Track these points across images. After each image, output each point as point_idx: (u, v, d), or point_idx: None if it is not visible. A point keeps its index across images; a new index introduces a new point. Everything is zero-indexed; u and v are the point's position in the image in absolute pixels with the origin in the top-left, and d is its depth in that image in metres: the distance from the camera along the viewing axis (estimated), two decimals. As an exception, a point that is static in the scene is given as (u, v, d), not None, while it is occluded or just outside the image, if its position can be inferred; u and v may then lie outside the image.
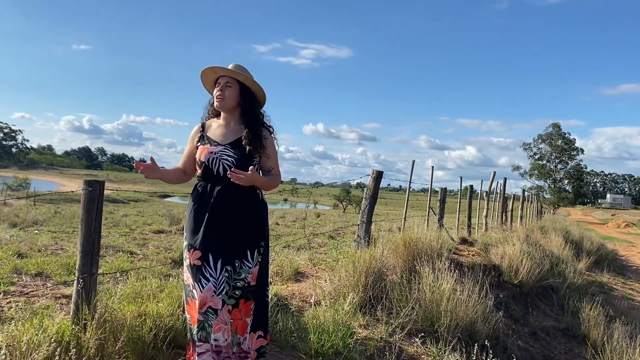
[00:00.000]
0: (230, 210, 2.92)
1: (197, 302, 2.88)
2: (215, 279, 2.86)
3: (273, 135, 3.11)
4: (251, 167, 2.83)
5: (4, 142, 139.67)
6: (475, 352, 4.04)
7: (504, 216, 14.29)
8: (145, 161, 2.96)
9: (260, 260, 3.00)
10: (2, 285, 4.95)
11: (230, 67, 3.07)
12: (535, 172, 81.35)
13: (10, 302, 4.37)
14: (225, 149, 2.98)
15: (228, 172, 2.83)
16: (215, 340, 2.86)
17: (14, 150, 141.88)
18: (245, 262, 2.92)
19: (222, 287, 2.86)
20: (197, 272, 2.89)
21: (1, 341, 2.73)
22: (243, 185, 2.87)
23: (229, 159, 2.95)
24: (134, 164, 2.99)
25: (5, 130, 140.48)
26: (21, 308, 4.12)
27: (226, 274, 2.87)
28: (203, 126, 3.14)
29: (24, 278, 5.45)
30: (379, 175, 5.89)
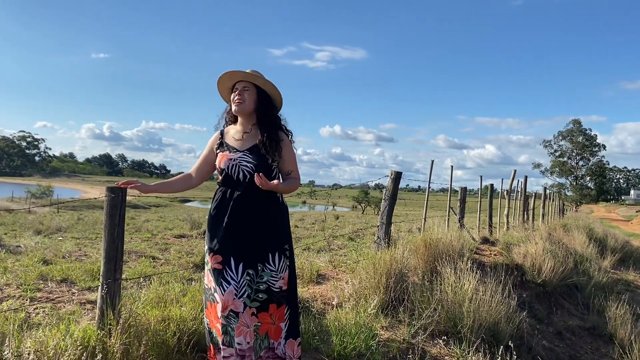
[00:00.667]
0: (251, 214, 2.95)
1: (219, 306, 2.92)
2: (236, 282, 2.89)
3: (291, 139, 3.13)
4: (276, 181, 2.91)
5: (27, 151, 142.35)
6: (499, 353, 4.00)
7: (525, 215, 14.13)
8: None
9: (288, 264, 3.02)
10: (28, 291, 5.04)
11: (241, 71, 3.10)
12: (556, 169, 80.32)
13: (37, 308, 4.44)
14: (244, 155, 3.01)
15: (255, 176, 2.87)
16: (238, 344, 2.88)
17: (37, 158, 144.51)
18: (268, 265, 2.93)
19: (243, 290, 2.88)
20: (219, 275, 2.92)
21: (29, 347, 2.78)
22: (263, 190, 2.91)
23: (248, 165, 2.98)
24: (116, 184, 3.10)
25: (28, 139, 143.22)
26: (48, 314, 4.19)
27: (248, 277, 2.89)
28: (222, 133, 3.17)
29: (49, 284, 5.54)
30: (397, 176, 5.87)
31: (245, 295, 2.88)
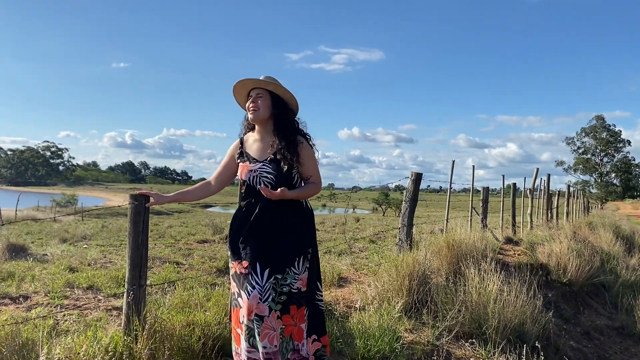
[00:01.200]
0: (275, 222, 2.98)
1: (242, 310, 2.94)
2: (260, 287, 2.91)
3: (310, 142, 3.14)
4: (279, 190, 2.92)
5: (51, 161, 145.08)
6: (525, 354, 3.95)
7: (549, 213, 13.93)
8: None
9: (308, 266, 3.03)
10: (56, 299, 5.14)
11: (256, 78, 3.12)
12: (580, 166, 79.11)
13: (65, 314, 4.52)
14: (263, 165, 3.04)
15: (261, 189, 2.93)
16: (263, 347, 2.90)
17: (61, 168, 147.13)
18: (293, 269, 2.96)
19: (267, 294, 2.90)
20: (244, 280, 2.95)
21: (59, 353, 2.84)
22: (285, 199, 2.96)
23: (269, 176, 3.01)
24: (137, 193, 3.15)
25: (52, 149, 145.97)
26: (75, 320, 4.27)
27: (273, 281, 2.91)
28: (242, 142, 3.20)
29: (76, 292, 5.63)
30: (418, 177, 5.84)
31: (270, 299, 2.90)
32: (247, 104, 3.13)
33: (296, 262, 2.97)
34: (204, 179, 3.27)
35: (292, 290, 2.96)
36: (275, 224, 2.98)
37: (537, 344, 4.11)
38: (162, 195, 3.16)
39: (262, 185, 3.00)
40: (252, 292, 2.92)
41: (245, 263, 2.96)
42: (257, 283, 2.93)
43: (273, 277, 2.92)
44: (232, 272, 3.05)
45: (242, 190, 3.14)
